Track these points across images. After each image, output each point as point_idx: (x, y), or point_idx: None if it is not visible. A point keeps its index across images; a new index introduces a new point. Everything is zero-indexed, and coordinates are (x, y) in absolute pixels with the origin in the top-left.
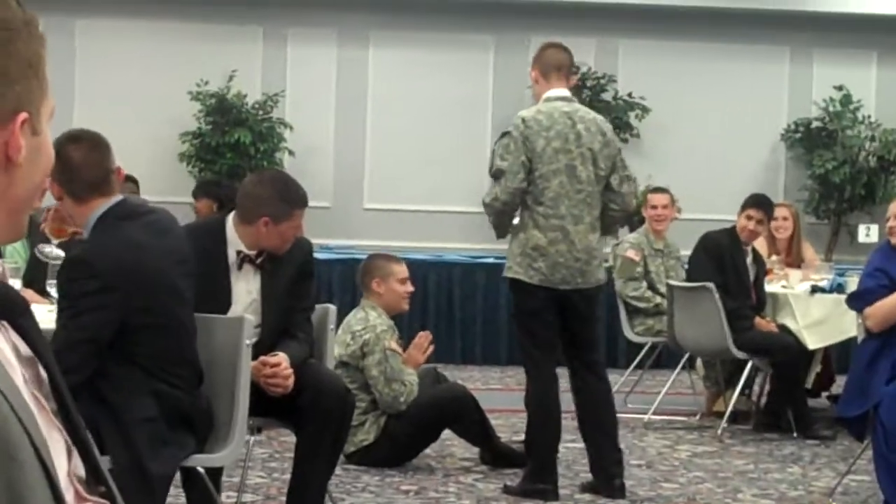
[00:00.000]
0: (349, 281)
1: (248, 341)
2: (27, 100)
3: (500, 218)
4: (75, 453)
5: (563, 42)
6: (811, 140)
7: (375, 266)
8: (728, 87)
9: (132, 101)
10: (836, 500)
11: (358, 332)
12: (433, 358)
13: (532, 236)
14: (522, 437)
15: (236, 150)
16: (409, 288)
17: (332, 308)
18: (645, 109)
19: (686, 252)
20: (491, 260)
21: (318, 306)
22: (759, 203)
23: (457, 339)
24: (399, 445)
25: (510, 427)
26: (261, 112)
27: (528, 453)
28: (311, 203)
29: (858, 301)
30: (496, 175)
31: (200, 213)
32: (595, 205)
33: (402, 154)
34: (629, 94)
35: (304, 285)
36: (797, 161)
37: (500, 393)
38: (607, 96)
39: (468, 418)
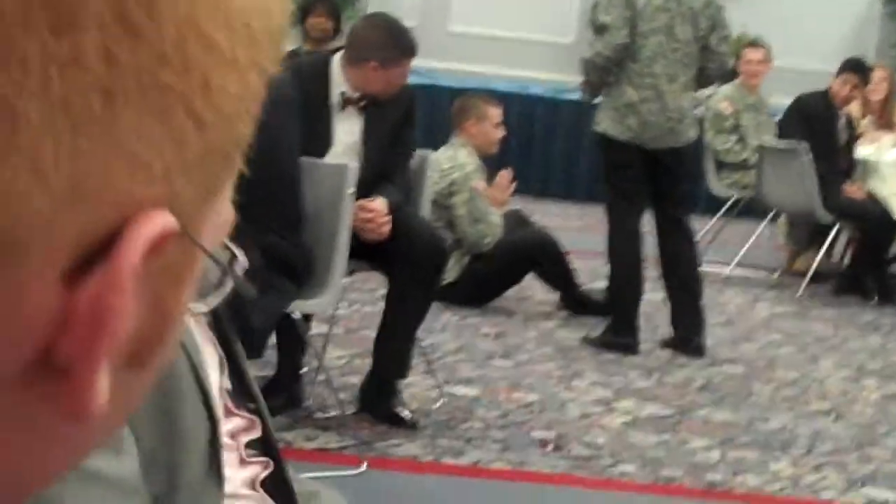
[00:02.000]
0: (430, 105)
1: (350, 189)
2: None
3: (600, 74)
4: (226, 367)
5: None
6: None
7: (473, 105)
8: None
9: None
10: None
11: (446, 170)
12: (513, 191)
13: (625, 92)
14: (600, 283)
15: None
16: (502, 132)
17: (431, 155)
18: None
19: (774, 100)
20: (574, 96)
21: (416, 153)
22: (856, 67)
23: (537, 171)
24: (481, 285)
25: (590, 272)
26: None
27: (610, 305)
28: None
29: None
30: (599, 30)
31: (314, 30)
32: (692, 64)
33: None
34: None
35: (406, 131)
36: (893, 17)
37: (578, 233)
38: None
39: (551, 263)
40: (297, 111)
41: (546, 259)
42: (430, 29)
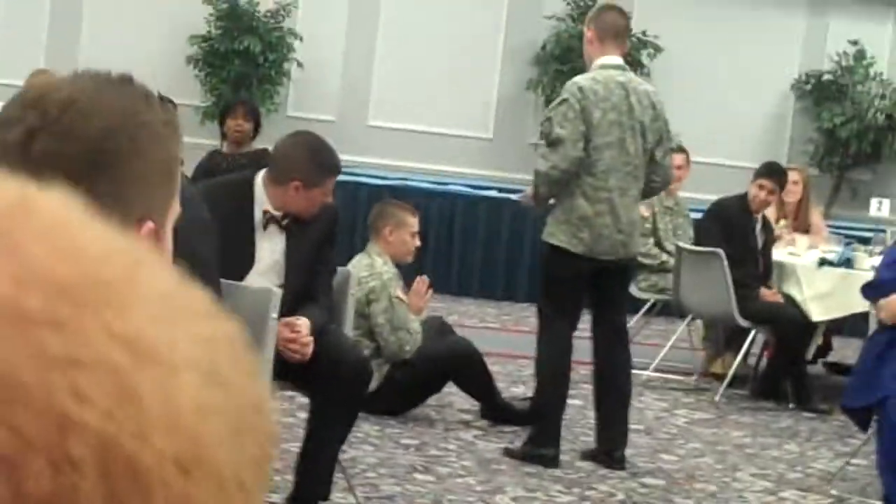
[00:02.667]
0: (348, 198)
1: (273, 314)
2: (157, 206)
3: (554, 187)
4: None
5: None
6: (821, 93)
7: (391, 213)
8: (743, 33)
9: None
10: (834, 486)
11: (364, 278)
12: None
13: (579, 206)
14: (518, 388)
15: (245, 57)
16: (418, 242)
17: (352, 272)
18: (657, 49)
19: (687, 193)
20: (493, 193)
21: (338, 269)
22: (772, 172)
23: (455, 269)
24: (401, 395)
25: (507, 375)
26: (272, 21)
27: (533, 417)
28: (316, 116)
29: (873, 291)
30: (554, 142)
31: (232, 132)
32: (640, 177)
33: (410, 73)
34: (643, 32)
35: (328, 250)
36: (805, 113)
37: (496, 332)
38: None
39: (473, 374)
40: (216, 232)
41: (467, 369)
42: (349, 123)
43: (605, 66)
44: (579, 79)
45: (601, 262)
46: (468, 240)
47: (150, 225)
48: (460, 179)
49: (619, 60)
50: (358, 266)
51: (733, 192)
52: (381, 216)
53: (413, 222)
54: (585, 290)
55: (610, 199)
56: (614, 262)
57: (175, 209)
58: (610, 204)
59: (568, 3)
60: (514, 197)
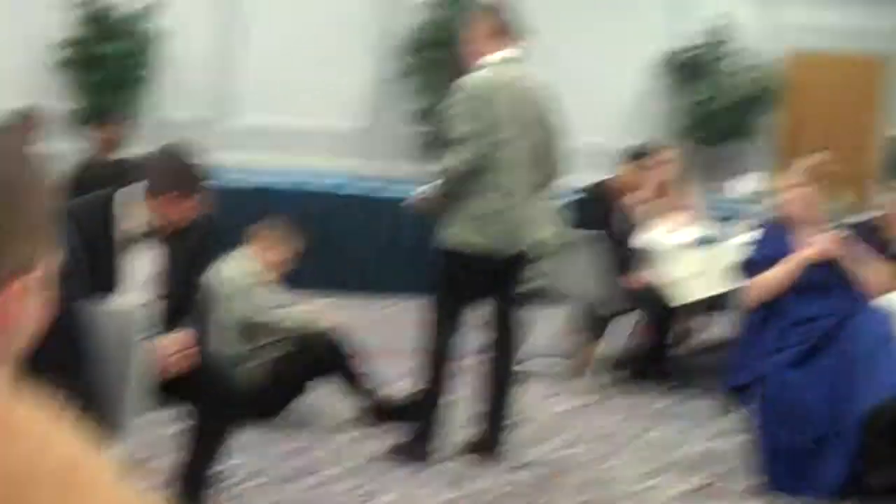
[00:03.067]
0: (221, 197)
1: (140, 332)
2: (32, 257)
3: (460, 184)
4: None
5: None
6: (688, 69)
7: (269, 234)
8: (608, 11)
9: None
10: (710, 467)
11: (230, 278)
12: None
13: (483, 202)
14: (394, 385)
15: (111, 60)
16: (288, 267)
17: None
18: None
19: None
20: (372, 184)
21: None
22: (638, 155)
23: (332, 265)
24: (273, 396)
25: (384, 373)
26: (137, 22)
27: (412, 411)
28: (188, 114)
29: (747, 271)
30: (458, 140)
31: (101, 138)
32: (540, 170)
33: (281, 66)
34: None
35: (205, 259)
36: (673, 90)
37: (372, 330)
38: None
39: (343, 370)
40: (76, 254)
41: (337, 365)
42: (220, 121)
43: (499, 61)
44: (478, 74)
45: (504, 258)
46: (347, 233)
47: (21, 282)
48: (337, 171)
49: (512, 54)
50: (232, 270)
51: (604, 172)
52: (266, 231)
53: (290, 250)
54: (482, 287)
55: (510, 194)
56: (515, 256)
57: (54, 257)
58: (513, 198)
59: None
60: (404, 203)
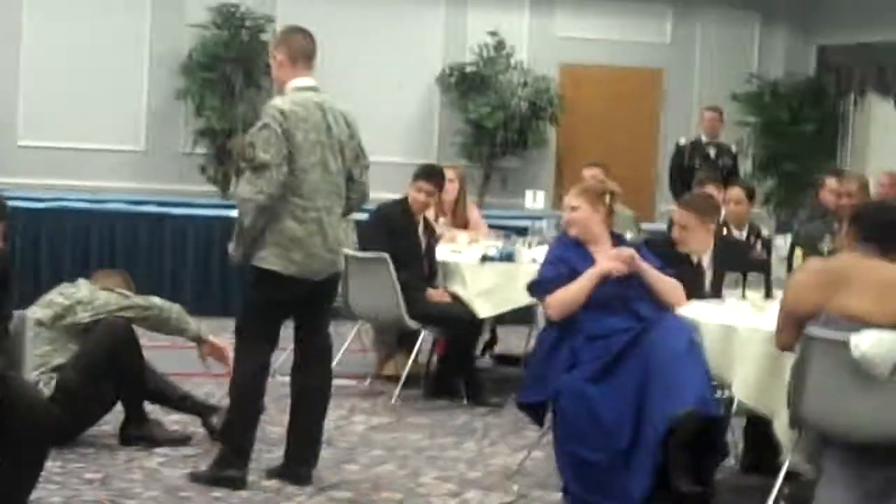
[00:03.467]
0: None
1: None
2: None
3: (261, 214)
4: None
5: None
6: (465, 85)
7: (124, 281)
8: (385, 29)
9: None
10: (516, 481)
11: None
12: None
13: (289, 227)
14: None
15: None
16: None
17: (28, 316)
18: None
19: None
20: (153, 207)
21: (14, 314)
22: (431, 174)
23: None
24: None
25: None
26: None
27: (222, 438)
28: None
29: (539, 289)
30: (259, 168)
31: None
32: (342, 195)
33: (57, 90)
34: None
35: (2, 295)
36: (452, 105)
37: (166, 352)
38: (266, 37)
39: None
40: None
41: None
42: None
43: (300, 87)
44: (278, 101)
45: (313, 283)
46: (129, 256)
47: None
48: (117, 195)
49: (312, 82)
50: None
51: (389, 190)
52: (121, 277)
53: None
54: (292, 311)
55: (318, 219)
56: (324, 281)
57: None
58: (319, 224)
59: (211, 11)
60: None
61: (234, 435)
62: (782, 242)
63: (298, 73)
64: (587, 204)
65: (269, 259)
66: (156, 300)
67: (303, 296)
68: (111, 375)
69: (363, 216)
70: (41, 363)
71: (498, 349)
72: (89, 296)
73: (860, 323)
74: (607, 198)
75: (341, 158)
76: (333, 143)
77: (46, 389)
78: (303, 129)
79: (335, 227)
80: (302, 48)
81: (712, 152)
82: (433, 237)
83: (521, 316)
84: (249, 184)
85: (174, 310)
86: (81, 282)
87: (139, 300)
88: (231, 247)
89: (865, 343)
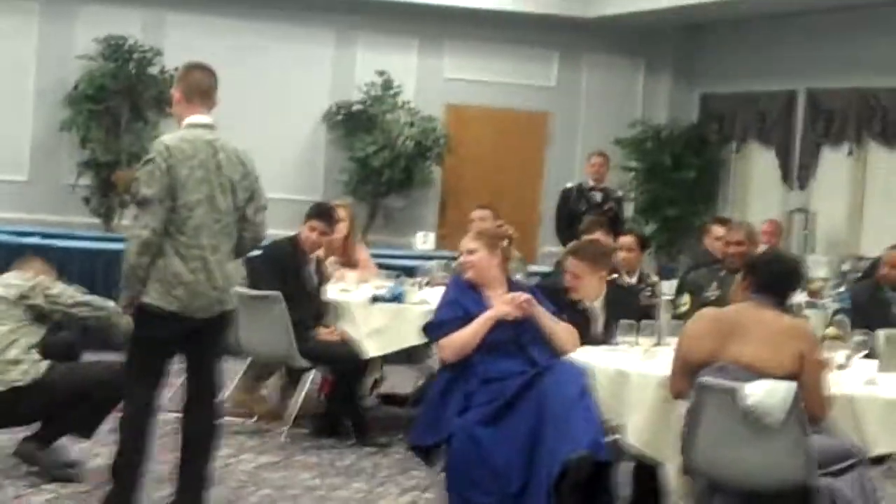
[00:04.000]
0: None
1: None
2: None
3: (146, 249)
4: None
5: (109, 12)
6: (352, 123)
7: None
8: (273, 66)
9: None
10: None
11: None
12: None
13: (172, 264)
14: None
15: None
16: None
17: None
18: None
19: None
20: (36, 239)
21: None
22: (322, 213)
23: None
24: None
25: None
26: None
27: (112, 475)
28: None
29: (434, 331)
30: (142, 203)
31: None
32: (232, 234)
33: None
34: (175, 69)
35: None
36: (338, 143)
37: None
38: (154, 70)
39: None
40: None
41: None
42: None
43: (192, 124)
44: (166, 138)
45: (196, 321)
46: None
47: None
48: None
49: (206, 119)
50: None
51: (274, 226)
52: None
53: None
54: (177, 348)
55: (203, 257)
56: (209, 320)
57: None
58: (203, 261)
59: (99, 43)
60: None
61: (122, 472)
62: (666, 288)
63: (193, 109)
64: (484, 248)
65: (150, 295)
66: (110, 303)
67: (187, 334)
68: (76, 402)
69: (254, 253)
70: (11, 340)
71: (383, 389)
72: (47, 282)
73: (754, 372)
74: (505, 242)
75: (232, 197)
76: (224, 182)
77: (32, 372)
78: (188, 166)
79: (222, 266)
80: (197, 85)
81: (598, 197)
82: (323, 275)
83: (406, 356)
84: (135, 219)
85: (124, 321)
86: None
87: (97, 299)
88: (121, 286)
89: (759, 392)
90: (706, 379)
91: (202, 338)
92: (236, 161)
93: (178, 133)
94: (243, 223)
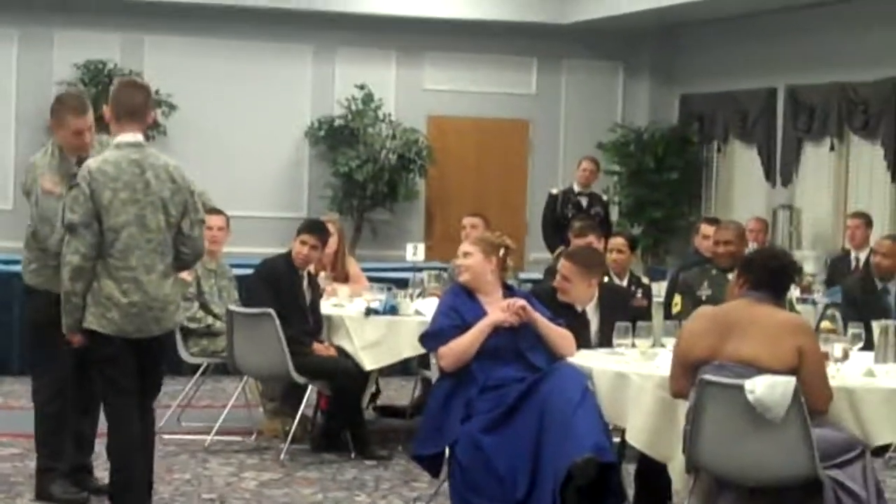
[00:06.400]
0: None
1: None
2: None
3: (79, 275)
4: None
5: (87, 37)
6: (335, 138)
7: None
8: (253, 84)
9: None
10: None
11: None
12: None
13: (105, 286)
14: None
15: None
16: None
17: None
18: (172, 106)
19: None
20: (17, 267)
21: None
22: (313, 227)
23: None
24: None
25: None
26: None
27: (111, 497)
28: None
29: (432, 340)
30: (70, 229)
31: None
32: (167, 252)
33: None
34: (156, 92)
35: None
36: (321, 158)
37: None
38: None
39: None
40: None
41: None
42: None
43: (119, 145)
44: (90, 161)
45: (136, 341)
46: None
47: None
48: None
49: (135, 138)
50: None
51: (260, 244)
52: None
53: None
54: (134, 369)
55: (135, 278)
56: (150, 340)
57: None
58: (135, 282)
59: (78, 68)
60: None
61: (123, 495)
62: (656, 289)
63: (122, 128)
64: (480, 252)
65: (88, 318)
66: None
67: (131, 353)
68: None
69: (247, 272)
70: None
71: (380, 401)
72: None
73: (753, 368)
74: (502, 251)
75: (164, 215)
76: (154, 200)
77: None
78: (111, 189)
79: (159, 284)
80: (125, 104)
81: (584, 201)
82: (317, 291)
83: (402, 368)
84: (66, 245)
85: None
86: None
87: None
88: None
89: (760, 387)
90: (708, 376)
91: (144, 356)
92: (165, 178)
93: (102, 155)
94: (180, 238)
